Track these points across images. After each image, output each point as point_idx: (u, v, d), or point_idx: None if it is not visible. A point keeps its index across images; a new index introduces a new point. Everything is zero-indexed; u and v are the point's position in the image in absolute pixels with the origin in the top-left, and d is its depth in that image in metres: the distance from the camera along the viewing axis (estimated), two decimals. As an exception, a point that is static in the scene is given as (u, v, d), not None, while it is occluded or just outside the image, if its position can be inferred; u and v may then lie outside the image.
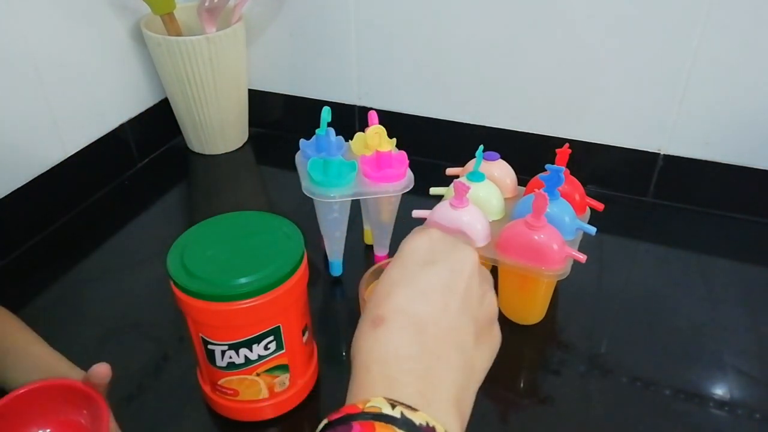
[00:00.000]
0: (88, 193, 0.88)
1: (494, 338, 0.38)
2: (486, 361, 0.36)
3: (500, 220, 0.67)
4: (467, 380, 0.34)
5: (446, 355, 0.33)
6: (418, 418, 0.29)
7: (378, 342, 0.33)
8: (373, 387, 0.31)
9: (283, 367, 0.53)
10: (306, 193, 0.65)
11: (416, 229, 0.39)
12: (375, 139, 0.66)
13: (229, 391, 0.54)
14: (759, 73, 0.74)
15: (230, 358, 0.51)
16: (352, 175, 0.66)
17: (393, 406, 0.29)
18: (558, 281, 0.64)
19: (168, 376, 0.62)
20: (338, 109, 0.87)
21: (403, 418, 0.29)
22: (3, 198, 0.75)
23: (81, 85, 0.84)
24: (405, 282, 0.35)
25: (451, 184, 0.62)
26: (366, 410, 0.29)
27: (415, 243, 0.38)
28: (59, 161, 0.82)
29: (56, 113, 0.81)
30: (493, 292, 0.38)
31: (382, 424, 0.28)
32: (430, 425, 0.29)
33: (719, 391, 0.60)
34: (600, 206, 0.68)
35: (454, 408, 0.32)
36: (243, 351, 0.51)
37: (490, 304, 0.38)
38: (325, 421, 0.30)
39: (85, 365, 0.54)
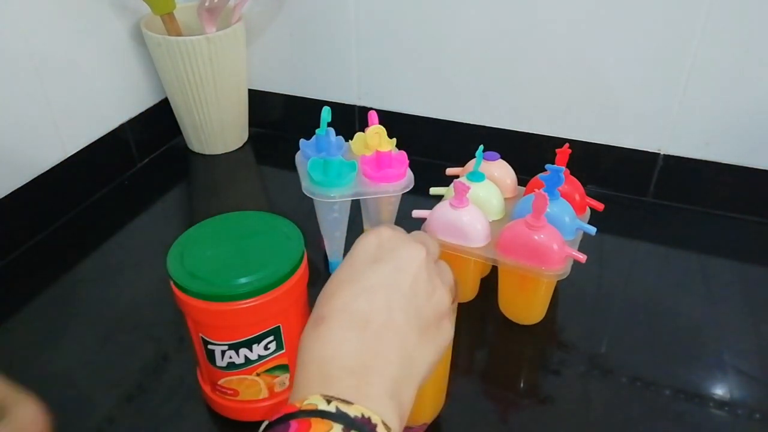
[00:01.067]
0: (88, 193, 0.88)
1: (442, 333, 0.38)
2: (430, 355, 0.37)
3: (500, 220, 0.67)
4: (407, 374, 0.35)
5: (385, 350, 0.34)
6: (353, 411, 0.30)
7: (318, 341, 0.34)
8: (310, 385, 0.32)
9: (283, 367, 0.53)
10: (306, 193, 0.65)
11: (368, 230, 0.40)
12: (375, 139, 0.66)
13: (229, 391, 0.54)
14: (759, 73, 0.74)
15: (230, 358, 0.51)
16: (352, 175, 0.66)
17: (328, 402, 0.30)
18: (558, 281, 0.64)
19: (168, 376, 0.62)
20: (338, 109, 0.87)
21: (339, 411, 0.30)
22: (3, 198, 0.75)
23: (81, 85, 0.84)
24: (350, 281, 0.36)
25: (451, 184, 0.62)
26: (303, 408, 0.30)
27: (365, 243, 0.39)
28: (59, 161, 0.82)
29: (56, 113, 0.81)
30: (444, 288, 0.39)
31: (318, 419, 0.29)
32: (366, 416, 0.30)
33: (719, 391, 0.60)
34: (600, 206, 0.68)
35: (390, 400, 0.33)
36: (243, 351, 0.51)
37: (439, 301, 0.38)
38: (265, 423, 0.31)
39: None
